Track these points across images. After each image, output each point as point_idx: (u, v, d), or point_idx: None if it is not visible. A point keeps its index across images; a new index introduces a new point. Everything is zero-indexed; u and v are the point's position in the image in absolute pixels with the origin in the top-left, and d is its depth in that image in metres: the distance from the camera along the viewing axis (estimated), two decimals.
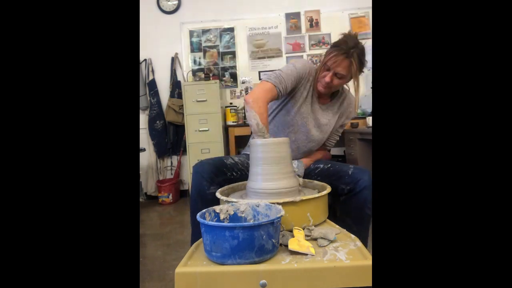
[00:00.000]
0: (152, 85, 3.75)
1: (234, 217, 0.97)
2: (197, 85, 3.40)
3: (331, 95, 1.49)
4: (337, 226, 1.05)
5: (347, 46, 1.27)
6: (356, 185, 1.24)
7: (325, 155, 1.55)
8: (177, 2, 3.78)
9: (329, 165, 1.39)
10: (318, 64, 1.41)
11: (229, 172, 1.37)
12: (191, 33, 3.82)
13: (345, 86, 1.47)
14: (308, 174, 1.42)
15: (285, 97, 1.41)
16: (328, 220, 1.11)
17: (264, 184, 1.07)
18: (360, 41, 1.32)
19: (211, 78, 3.49)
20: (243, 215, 0.97)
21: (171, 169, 3.83)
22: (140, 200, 3.74)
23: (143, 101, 3.74)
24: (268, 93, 1.27)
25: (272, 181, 1.06)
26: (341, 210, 1.31)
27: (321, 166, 1.41)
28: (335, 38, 3.72)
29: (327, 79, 1.32)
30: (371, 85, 3.43)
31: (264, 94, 1.25)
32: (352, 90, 1.46)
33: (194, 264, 0.83)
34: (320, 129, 1.46)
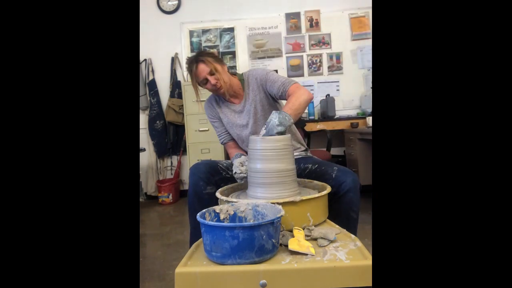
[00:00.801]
0: (152, 85, 3.75)
1: (234, 217, 0.97)
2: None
3: (242, 86, 1.51)
4: (337, 226, 1.05)
5: (190, 60, 1.44)
6: (340, 188, 1.22)
7: (294, 93, 1.34)
8: (177, 2, 3.78)
9: (316, 165, 1.39)
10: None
11: (223, 171, 1.41)
12: (191, 33, 3.82)
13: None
14: (299, 175, 1.41)
15: (224, 130, 1.57)
16: (328, 220, 1.11)
17: (264, 195, 1.07)
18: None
19: None
20: (243, 215, 0.97)
21: (171, 169, 3.83)
22: (140, 200, 3.74)
23: (143, 101, 3.73)
24: (231, 149, 1.55)
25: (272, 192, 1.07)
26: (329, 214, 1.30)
27: (310, 166, 1.41)
28: (335, 38, 3.76)
29: (212, 82, 1.41)
30: (371, 85, 3.43)
31: (232, 152, 1.52)
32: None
33: (194, 264, 0.83)
34: (253, 120, 1.48)
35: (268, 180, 1.08)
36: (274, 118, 1.11)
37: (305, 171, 1.41)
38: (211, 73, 1.40)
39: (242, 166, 1.28)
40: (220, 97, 1.54)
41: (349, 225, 1.24)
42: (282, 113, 1.13)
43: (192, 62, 1.42)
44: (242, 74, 1.53)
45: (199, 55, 1.43)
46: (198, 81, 1.44)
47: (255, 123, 1.47)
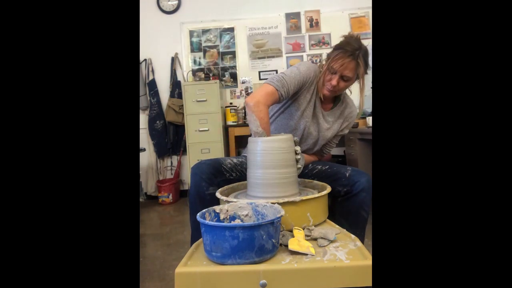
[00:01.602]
0: (152, 85, 3.75)
1: (234, 217, 0.97)
2: (197, 85, 3.39)
3: (334, 101, 1.47)
4: (337, 226, 1.05)
5: (352, 48, 1.25)
6: (353, 187, 1.22)
7: (321, 159, 1.52)
8: (177, 2, 3.78)
9: (327, 166, 1.38)
10: (320, 66, 1.38)
11: (227, 173, 1.37)
12: (191, 33, 3.82)
13: (347, 90, 1.45)
14: (306, 174, 1.41)
15: (287, 100, 1.39)
16: (328, 220, 1.11)
17: (264, 195, 1.07)
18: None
19: (211, 78, 3.49)
20: (243, 215, 0.97)
21: (171, 169, 3.83)
22: (140, 200, 3.74)
23: (143, 101, 3.73)
24: (270, 97, 1.26)
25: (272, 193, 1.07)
26: (337, 212, 1.30)
27: (319, 167, 1.40)
28: (335, 38, 3.76)
29: (334, 82, 1.29)
30: (371, 85, 3.43)
31: (265, 98, 1.23)
32: (355, 93, 1.45)
33: (194, 264, 0.83)
34: (320, 134, 1.45)
35: (268, 182, 1.08)
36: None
37: (313, 171, 1.41)
38: (346, 79, 1.29)
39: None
40: (318, 90, 1.39)
41: (359, 223, 1.25)
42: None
43: (350, 52, 1.24)
44: (343, 94, 1.45)
45: (363, 53, 1.26)
46: (332, 65, 1.28)
47: (309, 133, 1.42)
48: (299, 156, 1.13)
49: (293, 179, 1.12)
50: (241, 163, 1.41)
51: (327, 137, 1.46)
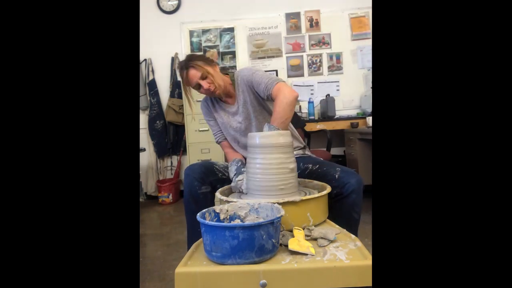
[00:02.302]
0: (152, 85, 3.75)
1: (234, 217, 0.97)
2: None
3: (231, 89, 1.49)
4: (337, 226, 1.05)
5: (181, 65, 1.42)
6: (343, 189, 1.21)
7: (277, 97, 1.30)
8: (177, 2, 3.78)
9: (318, 166, 1.37)
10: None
11: (220, 172, 1.41)
12: (191, 33, 3.82)
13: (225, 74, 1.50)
14: (299, 175, 1.40)
15: (219, 129, 1.56)
16: (328, 220, 1.11)
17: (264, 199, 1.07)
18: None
19: None
20: (243, 215, 0.97)
21: (171, 169, 3.83)
22: (140, 200, 3.74)
23: (143, 101, 3.73)
24: (226, 148, 1.56)
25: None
26: (329, 214, 1.29)
27: (310, 166, 1.39)
28: (335, 38, 3.76)
29: (205, 87, 1.39)
30: (371, 85, 3.43)
31: (229, 152, 1.54)
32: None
33: (194, 264, 0.83)
34: (247, 122, 1.47)
35: (268, 183, 1.08)
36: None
37: (305, 172, 1.40)
38: (203, 77, 1.38)
39: (237, 176, 1.25)
40: (215, 98, 1.53)
41: (350, 225, 1.23)
42: (272, 128, 1.16)
43: (182, 69, 1.40)
44: (233, 74, 1.51)
45: (188, 60, 1.40)
46: (192, 86, 1.43)
47: (249, 124, 1.46)
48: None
49: (294, 179, 1.12)
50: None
51: (253, 109, 1.45)
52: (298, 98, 1.70)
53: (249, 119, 1.46)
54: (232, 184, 1.27)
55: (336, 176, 1.25)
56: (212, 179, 1.37)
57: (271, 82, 1.33)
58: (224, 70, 1.51)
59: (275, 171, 1.07)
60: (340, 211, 1.20)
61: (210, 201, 1.32)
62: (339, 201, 1.22)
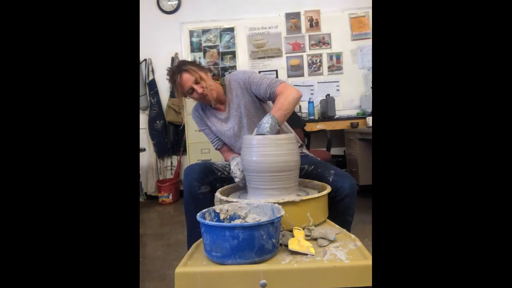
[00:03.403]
0: (152, 85, 3.75)
1: (234, 217, 0.97)
2: None
3: (223, 95, 1.48)
4: (337, 226, 1.05)
5: (171, 70, 1.40)
6: (337, 194, 1.22)
7: (282, 93, 1.31)
8: (177, 2, 3.78)
9: (313, 166, 1.38)
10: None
11: (219, 172, 1.41)
12: (191, 33, 3.82)
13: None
14: None
15: (215, 136, 1.56)
16: (328, 220, 1.11)
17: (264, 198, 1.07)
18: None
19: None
20: (243, 215, 0.97)
21: (171, 169, 3.83)
22: (140, 200, 3.74)
23: (143, 101, 3.73)
24: (226, 153, 1.55)
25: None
26: None
27: (306, 167, 1.39)
28: (335, 38, 3.76)
29: (199, 91, 1.38)
30: (371, 85, 3.43)
31: (228, 157, 1.49)
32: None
33: (194, 264, 0.83)
34: (238, 126, 1.46)
35: (267, 185, 1.09)
36: (266, 122, 1.15)
37: (301, 172, 1.40)
38: (196, 82, 1.37)
39: (240, 170, 1.26)
40: (206, 105, 1.52)
41: (343, 227, 1.24)
42: (273, 118, 1.16)
43: (175, 73, 1.38)
44: (223, 79, 1.49)
45: (181, 65, 1.39)
46: (184, 92, 1.40)
47: (241, 128, 1.45)
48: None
49: (295, 180, 1.12)
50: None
51: (247, 112, 1.43)
52: None
53: (241, 124, 1.45)
54: (235, 179, 1.27)
55: (330, 179, 1.26)
56: (211, 179, 1.37)
57: (274, 82, 1.34)
58: (214, 77, 1.49)
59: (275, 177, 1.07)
60: (334, 214, 1.20)
61: (210, 201, 1.32)
62: (333, 204, 1.22)
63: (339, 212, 1.23)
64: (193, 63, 1.43)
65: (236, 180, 1.27)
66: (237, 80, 1.43)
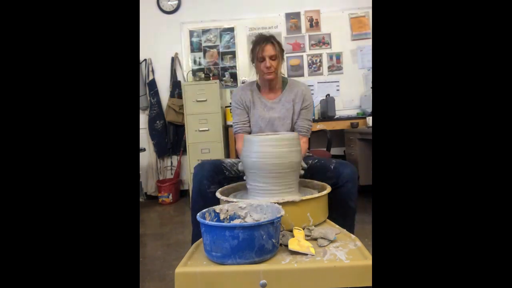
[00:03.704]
0: (152, 85, 3.75)
1: (234, 217, 0.97)
2: (197, 85, 3.39)
3: (281, 87, 1.61)
4: (337, 226, 1.04)
5: (261, 38, 1.51)
6: (339, 179, 1.28)
7: (304, 145, 1.56)
8: (177, 2, 3.78)
9: (316, 160, 1.44)
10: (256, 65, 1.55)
11: (227, 171, 1.43)
12: (191, 33, 3.82)
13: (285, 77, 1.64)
14: None
15: (244, 119, 1.63)
16: (328, 220, 1.11)
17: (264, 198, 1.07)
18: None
19: (211, 78, 3.49)
20: (243, 215, 0.97)
21: (171, 169, 3.83)
22: (140, 200, 3.74)
23: (143, 101, 3.73)
24: (241, 141, 1.51)
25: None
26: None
27: (310, 162, 1.44)
28: (335, 38, 3.76)
29: (267, 64, 1.47)
30: (371, 85, 3.43)
31: (240, 145, 1.51)
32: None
33: (194, 264, 0.83)
34: (279, 122, 1.57)
35: (268, 185, 1.08)
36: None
37: (306, 170, 1.42)
38: (273, 58, 1.47)
39: None
40: (256, 89, 1.61)
41: (348, 214, 1.29)
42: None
43: (262, 39, 1.48)
44: (286, 78, 1.64)
45: (272, 37, 1.50)
46: (258, 56, 1.48)
47: (276, 123, 1.56)
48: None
49: (295, 183, 1.12)
50: (239, 162, 1.42)
51: (284, 120, 1.57)
52: None
53: (279, 118, 1.56)
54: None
55: (332, 167, 1.33)
56: (221, 178, 1.39)
57: (306, 131, 1.58)
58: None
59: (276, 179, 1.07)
60: (337, 201, 1.23)
61: (217, 200, 1.32)
62: (335, 190, 1.25)
63: (341, 199, 1.27)
64: (281, 44, 1.53)
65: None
66: (301, 88, 1.59)
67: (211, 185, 1.33)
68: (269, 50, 1.47)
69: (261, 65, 1.49)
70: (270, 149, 1.07)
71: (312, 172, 1.37)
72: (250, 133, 1.61)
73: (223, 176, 1.41)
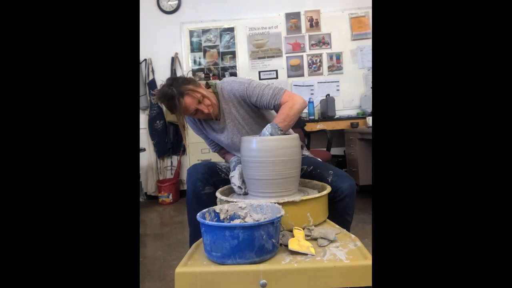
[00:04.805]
0: (152, 85, 3.75)
1: (234, 217, 0.97)
2: None
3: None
4: (337, 226, 1.05)
5: (166, 97, 1.25)
6: (336, 194, 1.22)
7: (287, 102, 1.26)
8: (177, 2, 3.78)
9: (312, 167, 1.37)
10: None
11: (222, 173, 1.41)
12: (191, 33, 3.82)
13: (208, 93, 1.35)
14: None
15: (211, 141, 1.54)
16: (328, 220, 1.11)
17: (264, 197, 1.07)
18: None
19: (211, 78, 3.49)
20: (243, 215, 0.97)
21: (171, 169, 3.83)
22: (140, 200, 3.74)
23: (143, 101, 3.73)
24: (227, 154, 1.52)
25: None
26: None
27: (305, 168, 1.38)
28: (335, 38, 3.76)
29: (200, 115, 1.32)
30: (371, 85, 3.43)
31: (229, 157, 1.47)
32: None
33: (194, 264, 0.83)
34: (238, 138, 1.38)
35: (268, 189, 1.09)
36: (267, 130, 1.17)
37: (300, 173, 1.40)
38: (199, 102, 1.28)
39: (243, 182, 1.22)
40: (197, 120, 1.45)
41: (343, 227, 1.24)
42: (274, 126, 1.17)
43: (173, 98, 1.23)
44: (215, 86, 1.38)
45: (177, 88, 1.24)
46: (187, 115, 1.33)
47: (239, 138, 1.32)
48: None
49: (295, 183, 1.12)
50: None
51: (245, 123, 1.37)
52: None
53: (240, 133, 1.38)
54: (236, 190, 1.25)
55: (329, 180, 1.25)
56: (215, 179, 1.37)
57: (278, 92, 1.27)
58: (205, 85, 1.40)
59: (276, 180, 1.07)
60: (334, 214, 1.20)
61: (213, 202, 1.32)
62: (333, 204, 1.22)
63: (338, 212, 1.23)
64: (187, 80, 1.29)
65: (235, 188, 1.24)
66: (232, 91, 1.34)
67: (205, 186, 1.31)
68: (191, 103, 1.25)
69: (198, 115, 1.32)
70: (270, 148, 1.07)
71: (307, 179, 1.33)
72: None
73: (218, 178, 1.39)
